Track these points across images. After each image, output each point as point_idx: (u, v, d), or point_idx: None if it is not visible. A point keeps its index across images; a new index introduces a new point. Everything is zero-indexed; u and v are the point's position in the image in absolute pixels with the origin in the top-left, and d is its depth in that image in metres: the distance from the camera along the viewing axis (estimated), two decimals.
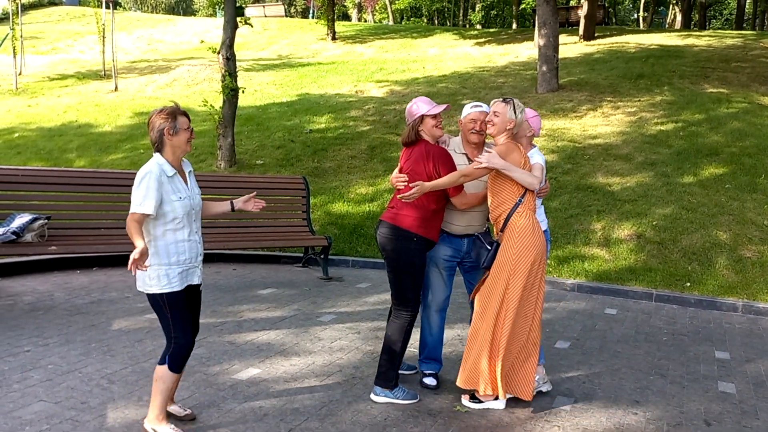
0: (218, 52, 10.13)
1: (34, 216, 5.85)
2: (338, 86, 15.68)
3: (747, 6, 35.73)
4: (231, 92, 10.13)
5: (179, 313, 3.16)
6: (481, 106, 3.96)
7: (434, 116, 3.86)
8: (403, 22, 48.21)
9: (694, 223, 7.78)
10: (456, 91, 14.21)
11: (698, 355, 4.98)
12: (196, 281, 3.29)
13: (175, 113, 3.14)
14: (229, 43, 10.10)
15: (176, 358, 3.17)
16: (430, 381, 4.10)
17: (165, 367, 3.17)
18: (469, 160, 3.97)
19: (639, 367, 4.63)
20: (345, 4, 47.48)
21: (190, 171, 3.34)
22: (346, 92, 14.92)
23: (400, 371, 4.11)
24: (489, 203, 3.76)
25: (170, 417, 3.35)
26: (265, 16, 32.61)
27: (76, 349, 4.40)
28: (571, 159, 9.82)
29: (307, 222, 7.43)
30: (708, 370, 4.66)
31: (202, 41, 10.52)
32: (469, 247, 4.02)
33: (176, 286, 3.13)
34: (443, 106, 3.88)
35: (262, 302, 5.85)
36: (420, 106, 3.86)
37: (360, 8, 47.49)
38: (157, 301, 3.14)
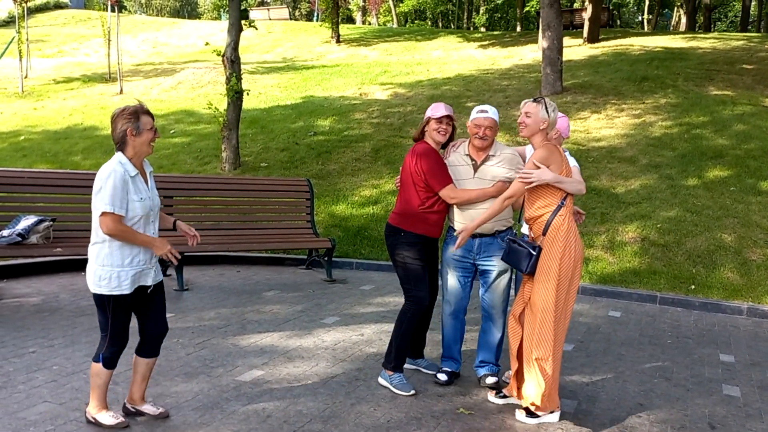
0: (223, 55, 10.16)
1: (40, 218, 5.88)
2: (342, 89, 15.71)
3: (752, 8, 35.62)
4: (235, 95, 10.16)
5: (122, 316, 3.18)
6: (486, 111, 3.99)
7: (438, 120, 4.01)
8: (407, 25, 48.24)
9: (698, 225, 7.76)
10: (460, 93, 14.22)
11: (703, 358, 4.96)
12: (149, 282, 3.26)
13: (138, 113, 3.12)
14: (233, 46, 10.13)
15: (110, 356, 3.21)
16: (441, 376, 4.20)
17: (99, 365, 3.21)
18: (472, 159, 4.00)
19: (643, 370, 4.62)
20: (349, 7, 47.59)
21: (151, 171, 3.34)
22: (350, 95, 14.95)
23: (420, 368, 4.35)
24: (526, 206, 3.71)
25: (143, 416, 3.41)
26: (270, 19, 32.68)
27: (81, 350, 4.41)
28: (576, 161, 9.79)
29: (311, 224, 7.44)
30: (713, 373, 4.64)
31: (207, 43, 10.54)
32: (480, 248, 4.04)
33: (126, 290, 3.14)
34: (445, 113, 4.01)
35: (265, 304, 5.86)
36: (432, 109, 4.06)
37: (364, 11, 47.59)
38: (102, 300, 3.14)
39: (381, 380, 4.05)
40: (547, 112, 3.62)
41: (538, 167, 3.54)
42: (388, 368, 4.01)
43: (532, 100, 3.69)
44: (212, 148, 11.44)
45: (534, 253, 3.56)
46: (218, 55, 10.19)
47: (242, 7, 10.34)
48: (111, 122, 3.17)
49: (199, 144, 11.85)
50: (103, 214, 3.03)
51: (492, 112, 4.00)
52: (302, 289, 6.56)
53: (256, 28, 11.45)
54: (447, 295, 4.19)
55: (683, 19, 36.18)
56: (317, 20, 34.91)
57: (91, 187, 6.54)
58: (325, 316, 5.59)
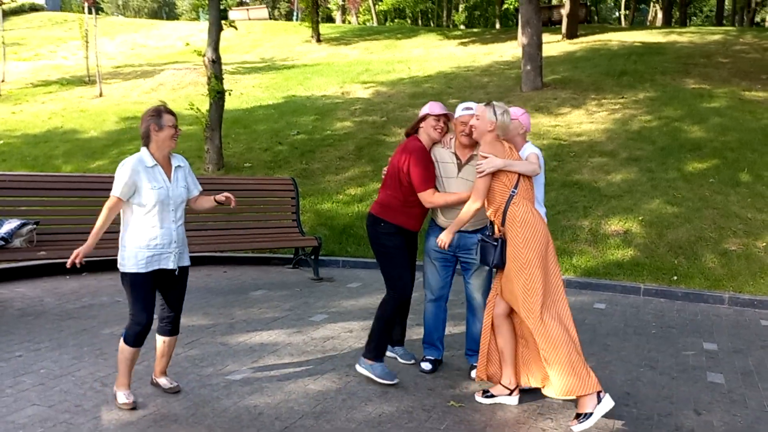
0: (203, 55, 10.11)
1: (23, 221, 5.82)
2: (324, 88, 15.70)
3: (726, 2, 36.10)
4: (217, 95, 10.12)
5: (141, 293, 3.47)
6: (471, 108, 4.02)
7: (437, 117, 4.04)
8: (387, 24, 48.28)
9: (679, 217, 7.88)
10: (441, 91, 14.28)
11: (686, 347, 5.05)
12: (170, 266, 3.55)
13: (160, 111, 3.48)
14: (214, 46, 10.09)
15: (132, 334, 3.48)
16: (424, 365, 4.26)
17: (122, 341, 3.52)
18: (457, 158, 4.05)
19: (629, 359, 4.70)
20: (329, 6, 47.50)
21: (179, 166, 3.63)
22: (332, 93, 14.94)
23: (396, 356, 4.42)
24: (486, 206, 3.78)
25: (157, 387, 3.80)
26: (249, 19, 32.55)
27: (68, 353, 4.38)
28: (557, 156, 9.90)
29: (297, 223, 7.44)
30: (697, 361, 4.73)
31: (187, 44, 10.51)
32: (461, 242, 4.09)
33: (142, 268, 3.44)
34: (446, 111, 4.05)
35: (253, 304, 5.86)
36: (431, 106, 4.08)
37: (344, 10, 47.53)
38: (123, 279, 3.49)
39: (360, 369, 4.06)
40: (495, 115, 3.70)
41: (486, 157, 3.65)
42: (369, 357, 4.03)
43: (484, 104, 3.79)
44: (195, 149, 11.37)
45: (496, 244, 3.66)
46: (199, 55, 10.14)
47: (222, 7, 10.27)
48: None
49: (182, 145, 11.75)
50: (111, 196, 3.42)
51: (476, 109, 4.04)
52: (290, 287, 6.56)
53: (236, 28, 11.40)
54: (428, 283, 4.29)
55: (659, 14, 36.62)
56: (297, 20, 34.81)
57: (74, 189, 6.52)
58: (314, 313, 5.59)
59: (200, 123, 10.38)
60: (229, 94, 10.53)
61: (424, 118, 4.07)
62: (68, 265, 3.43)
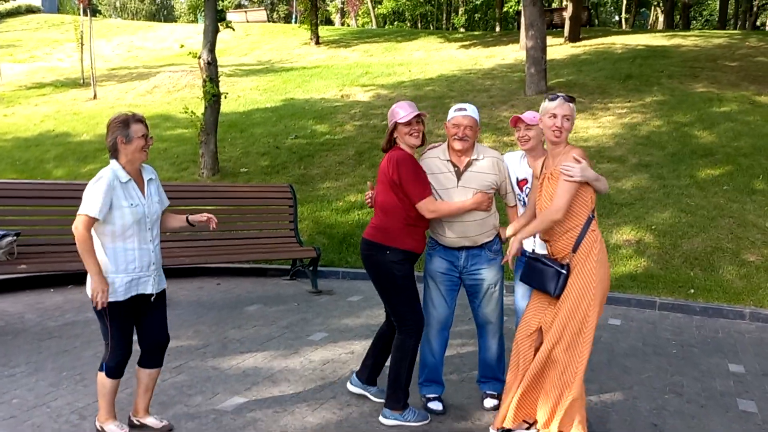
0: (199, 57, 9.78)
1: (2, 232, 5.48)
2: (323, 91, 15.36)
3: (729, 6, 35.84)
4: (213, 98, 9.78)
5: (120, 323, 3.15)
6: (465, 109, 3.63)
7: (407, 123, 3.56)
8: (386, 27, 48.00)
9: (694, 226, 7.55)
10: (443, 94, 13.95)
11: (711, 369, 4.71)
12: (149, 290, 3.24)
13: (128, 121, 3.13)
14: (210, 48, 9.76)
15: (113, 366, 3.19)
16: (435, 405, 3.80)
17: (103, 374, 3.21)
18: (454, 165, 3.65)
19: (652, 384, 4.36)
20: (328, 8, 47.26)
21: (151, 179, 3.30)
22: (331, 97, 14.60)
23: (368, 394, 3.93)
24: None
25: (140, 428, 3.39)
26: (248, 22, 32.24)
27: (45, 378, 4.04)
28: None
29: (295, 232, 7.10)
30: (724, 385, 4.39)
31: (182, 45, 10.19)
32: (467, 261, 3.74)
33: (120, 296, 3.11)
34: (413, 113, 3.57)
35: (248, 320, 5.51)
36: (396, 112, 3.62)
37: (343, 13, 47.29)
38: (100, 309, 3.11)
39: (389, 421, 3.58)
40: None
41: (580, 161, 3.17)
42: (397, 408, 3.59)
43: (562, 98, 3.26)
44: (190, 153, 11.03)
45: (564, 272, 3.20)
46: (194, 57, 9.81)
47: (219, 8, 9.95)
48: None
49: (177, 149, 11.44)
50: (79, 215, 3.05)
51: (471, 110, 3.65)
52: (287, 301, 6.21)
53: (233, 29, 11.08)
54: (432, 311, 3.81)
55: (660, 18, 36.39)
56: (296, 22, 34.49)
57: (59, 197, 6.17)
58: (312, 331, 5.25)
59: (195, 127, 10.04)
60: (225, 97, 10.20)
61: (394, 127, 3.62)
62: (98, 308, 3.08)
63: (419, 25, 50.88)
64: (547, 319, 3.34)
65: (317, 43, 23.68)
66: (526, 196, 3.77)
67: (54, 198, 6.10)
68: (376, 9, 46.17)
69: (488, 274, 3.74)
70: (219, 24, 9.96)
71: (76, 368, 4.24)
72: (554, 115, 3.23)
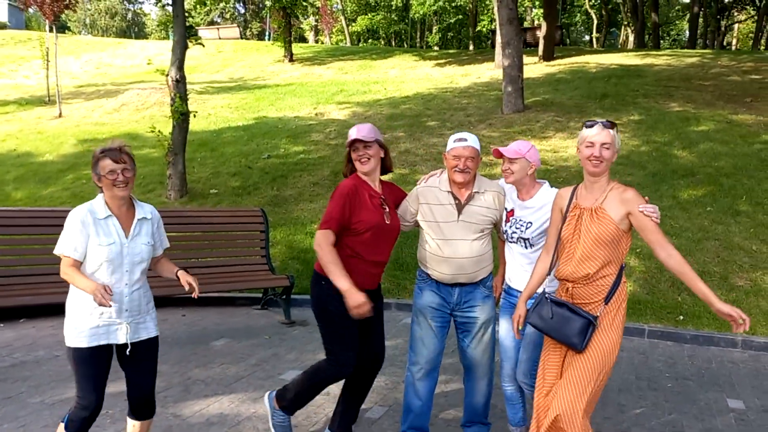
0: (167, 74, 9.40)
1: None
2: (297, 109, 15.04)
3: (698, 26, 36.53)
4: (181, 116, 9.40)
5: (87, 371, 2.86)
6: (466, 140, 3.35)
7: (352, 148, 3.39)
8: (360, 45, 48.02)
9: (680, 249, 7.25)
10: (420, 112, 13.73)
11: (710, 405, 4.44)
12: (121, 340, 2.91)
13: (98, 158, 2.90)
14: (178, 65, 9.39)
15: (77, 420, 2.88)
16: None
17: (62, 425, 2.91)
18: (455, 198, 3.38)
19: (650, 425, 4.06)
20: (302, 26, 47.14)
21: (144, 218, 3.02)
22: (305, 115, 14.29)
23: None
24: (569, 260, 2.95)
25: None
26: (220, 39, 31.88)
27: None
28: None
29: (266, 259, 6.71)
30: (726, 425, 4.12)
31: (149, 61, 9.74)
32: (461, 298, 3.44)
33: (83, 342, 2.84)
34: (354, 136, 3.33)
35: (214, 357, 5.10)
36: (349, 134, 3.40)
37: (317, 31, 47.21)
38: (67, 353, 2.89)
39: (266, 401, 3.58)
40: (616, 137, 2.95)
41: (647, 201, 2.90)
42: (281, 404, 3.49)
43: (601, 125, 2.93)
44: (157, 174, 10.60)
45: (596, 324, 2.86)
46: (162, 74, 9.41)
47: (188, 24, 9.59)
48: None
49: (143, 170, 10.97)
50: (60, 255, 2.86)
51: (472, 140, 3.37)
52: (257, 334, 5.81)
53: (203, 45, 10.72)
54: (418, 352, 3.50)
55: (631, 37, 36.92)
56: (269, 39, 34.22)
57: (11, 225, 5.73)
58: (285, 369, 4.86)
59: (162, 147, 9.63)
60: (194, 116, 9.81)
61: (350, 152, 3.43)
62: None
63: (393, 43, 51.05)
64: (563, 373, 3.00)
65: (291, 60, 23.43)
66: (514, 229, 3.47)
67: (5, 226, 5.65)
68: (350, 27, 46.19)
69: (482, 312, 3.47)
70: (188, 40, 9.61)
71: (19, 419, 3.80)
72: (592, 144, 2.90)
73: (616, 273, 2.89)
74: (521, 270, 3.43)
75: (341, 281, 3.15)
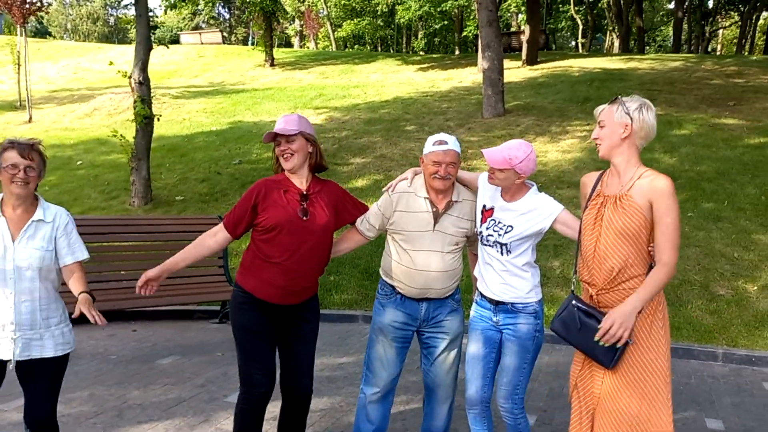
0: (129, 76, 9.03)
1: None
2: (274, 113, 14.69)
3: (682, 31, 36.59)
4: (144, 120, 9.02)
5: None
6: (446, 142, 3.00)
7: (277, 143, 3.05)
8: (347, 50, 47.80)
9: None
10: (399, 116, 13.43)
11: (688, 425, 4.14)
12: (5, 357, 2.62)
13: (4, 149, 2.64)
14: (141, 66, 9.03)
15: None
16: None
17: None
18: (432, 205, 3.05)
19: None
20: (286, 31, 46.84)
21: (41, 221, 2.65)
22: None
23: None
24: (595, 258, 2.60)
25: None
26: (202, 43, 31.50)
27: None
28: None
29: (225, 270, 6.36)
30: None
31: (111, 63, 9.35)
32: (429, 314, 3.13)
33: None
34: (281, 130, 2.99)
35: (157, 377, 4.73)
36: (276, 127, 3.06)
37: (302, 36, 46.91)
38: None
39: None
40: (629, 113, 2.58)
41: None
42: None
43: (608, 104, 2.68)
44: (123, 180, 10.22)
45: (629, 340, 2.48)
46: (124, 76, 9.04)
47: (153, 24, 9.23)
48: None
49: (108, 176, 10.60)
50: None
51: (452, 143, 3.03)
52: (210, 351, 5.44)
53: (167, 47, 10.36)
54: (375, 373, 3.19)
55: (616, 43, 36.90)
56: (252, 44, 33.88)
57: None
58: (232, 390, 4.50)
59: (126, 152, 9.24)
60: (158, 120, 9.43)
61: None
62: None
63: (379, 48, 50.86)
64: (594, 403, 2.62)
65: (272, 65, 23.09)
66: (491, 231, 3.05)
67: None
68: (335, 32, 45.92)
69: (451, 328, 3.18)
70: (153, 41, 9.26)
71: None
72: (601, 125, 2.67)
73: (644, 275, 2.51)
74: (495, 278, 3.06)
75: (172, 258, 3.04)
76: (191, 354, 5.33)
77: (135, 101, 9.03)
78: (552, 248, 7.42)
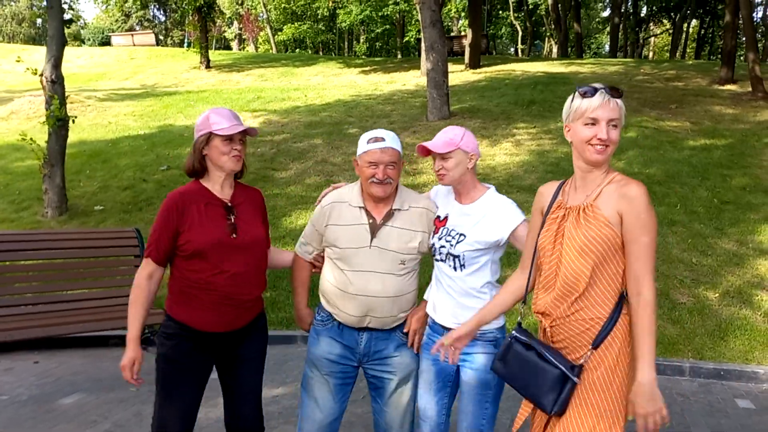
0: (41, 74, 8.14)
1: None
2: None
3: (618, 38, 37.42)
4: (58, 122, 8.13)
5: None
6: (383, 139, 2.52)
7: (228, 139, 2.49)
8: (287, 53, 46.91)
9: None
10: (341, 120, 12.85)
11: None
12: None
13: None
14: (54, 63, 8.15)
15: None
16: None
17: None
18: (369, 216, 2.54)
19: None
20: (225, 35, 45.64)
21: None
22: None
23: None
24: (546, 286, 2.15)
25: None
26: (134, 45, 30.14)
27: None
28: None
29: None
30: None
31: (19, 59, 8.39)
32: (370, 347, 2.60)
33: None
34: (238, 126, 2.49)
35: (55, 422, 3.98)
36: (211, 120, 2.52)
37: (241, 39, 45.79)
38: None
39: None
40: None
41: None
42: None
43: (604, 91, 2.09)
44: (36, 189, 9.24)
45: (574, 378, 1.99)
46: (34, 74, 8.13)
47: (68, 17, 8.36)
48: None
49: (20, 184, 9.60)
50: None
51: (390, 140, 2.55)
52: (123, 386, 4.70)
53: (82, 43, 9.45)
54: (308, 416, 2.66)
55: (554, 49, 37.41)
56: (188, 47, 32.68)
57: None
58: None
59: (37, 158, 8.32)
60: (73, 121, 8.54)
61: (207, 140, 2.55)
62: None
63: (321, 52, 50.21)
64: None
65: (208, 67, 22.15)
66: (443, 242, 2.57)
67: None
68: (276, 36, 44.98)
69: (400, 365, 2.65)
70: (68, 39, 8.37)
71: None
72: (595, 120, 2.07)
73: (611, 302, 2.02)
74: (449, 299, 2.56)
75: (130, 328, 2.44)
76: (100, 390, 4.58)
77: (48, 102, 8.13)
78: (504, 256, 6.97)
